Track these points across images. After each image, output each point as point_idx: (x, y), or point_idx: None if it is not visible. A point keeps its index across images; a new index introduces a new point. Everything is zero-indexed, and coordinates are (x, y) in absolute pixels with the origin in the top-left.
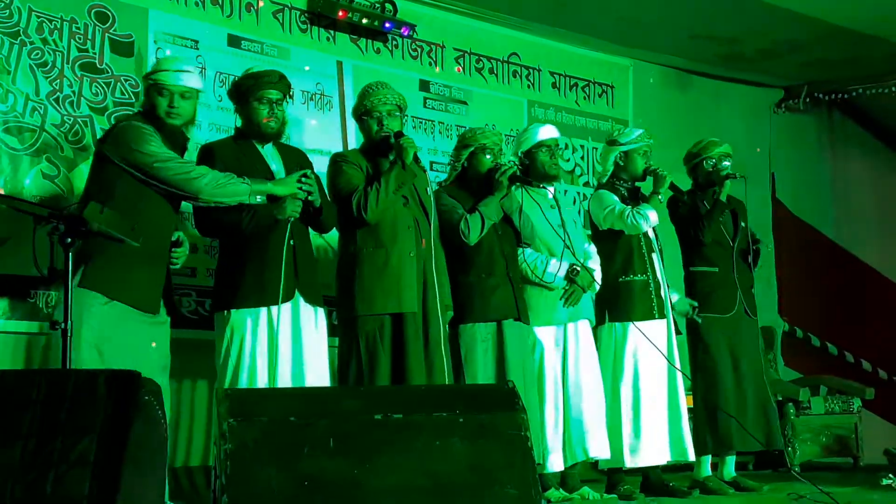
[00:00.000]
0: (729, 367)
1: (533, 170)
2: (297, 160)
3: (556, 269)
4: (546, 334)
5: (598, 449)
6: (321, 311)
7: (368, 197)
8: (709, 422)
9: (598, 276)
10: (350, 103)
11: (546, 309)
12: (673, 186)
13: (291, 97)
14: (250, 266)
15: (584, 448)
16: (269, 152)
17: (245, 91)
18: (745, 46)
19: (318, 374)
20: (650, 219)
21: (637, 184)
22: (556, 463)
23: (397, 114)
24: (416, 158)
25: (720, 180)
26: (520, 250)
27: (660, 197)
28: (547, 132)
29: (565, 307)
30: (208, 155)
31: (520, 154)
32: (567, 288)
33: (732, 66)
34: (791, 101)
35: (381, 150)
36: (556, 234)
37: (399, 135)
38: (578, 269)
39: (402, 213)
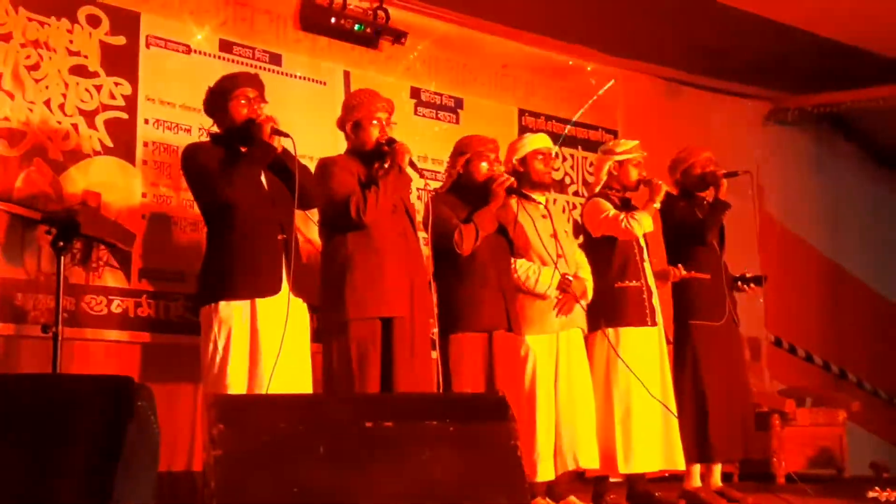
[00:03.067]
0: (717, 375)
1: (527, 178)
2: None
3: (549, 279)
4: (539, 343)
5: (588, 459)
6: (307, 309)
7: (367, 199)
8: (695, 431)
9: (589, 285)
10: None
11: (539, 318)
12: (669, 195)
13: (266, 101)
14: (239, 259)
15: (574, 457)
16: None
17: (223, 92)
18: (733, 58)
19: (303, 373)
20: (644, 224)
21: (629, 194)
22: (546, 472)
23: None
24: (411, 163)
25: (716, 180)
26: (513, 261)
27: (655, 205)
28: (541, 140)
29: (558, 316)
30: (194, 149)
31: (514, 162)
32: (560, 297)
33: (722, 77)
34: (780, 113)
35: (375, 156)
36: (545, 245)
37: (392, 140)
38: (571, 278)
39: (392, 220)
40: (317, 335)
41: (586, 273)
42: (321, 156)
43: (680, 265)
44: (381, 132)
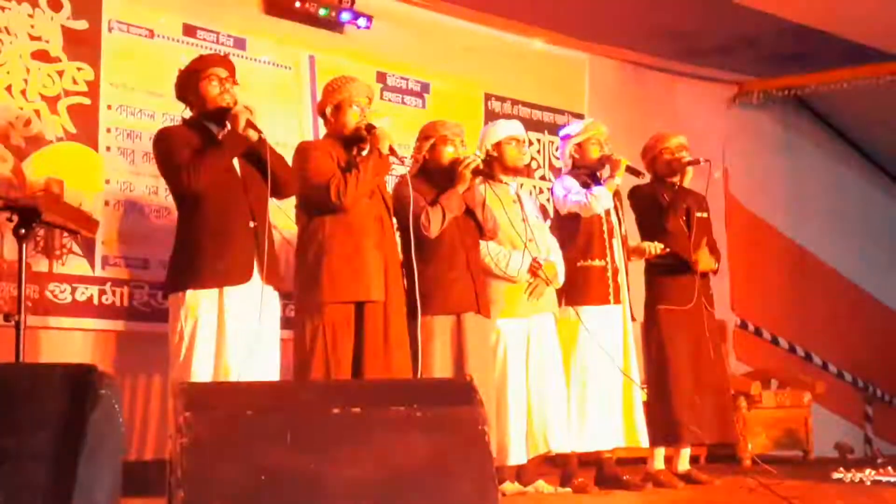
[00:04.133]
0: (686, 359)
1: (501, 163)
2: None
3: (519, 262)
4: (510, 327)
5: (560, 442)
6: (277, 297)
7: (348, 182)
8: (662, 413)
9: (560, 269)
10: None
11: (510, 302)
12: (630, 169)
13: (236, 82)
14: (208, 246)
15: (545, 440)
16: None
17: (193, 73)
18: (699, 41)
19: (271, 361)
20: (602, 200)
21: (598, 173)
22: (517, 455)
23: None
24: (391, 149)
25: (681, 168)
26: (483, 244)
27: (616, 180)
28: (515, 127)
29: (529, 300)
30: (167, 134)
31: (488, 147)
32: (531, 281)
33: (688, 60)
34: (745, 96)
35: (354, 140)
36: (517, 228)
37: (372, 126)
38: (541, 262)
39: (369, 205)
40: (286, 321)
41: (557, 256)
42: (286, 141)
43: (657, 242)
44: (361, 117)
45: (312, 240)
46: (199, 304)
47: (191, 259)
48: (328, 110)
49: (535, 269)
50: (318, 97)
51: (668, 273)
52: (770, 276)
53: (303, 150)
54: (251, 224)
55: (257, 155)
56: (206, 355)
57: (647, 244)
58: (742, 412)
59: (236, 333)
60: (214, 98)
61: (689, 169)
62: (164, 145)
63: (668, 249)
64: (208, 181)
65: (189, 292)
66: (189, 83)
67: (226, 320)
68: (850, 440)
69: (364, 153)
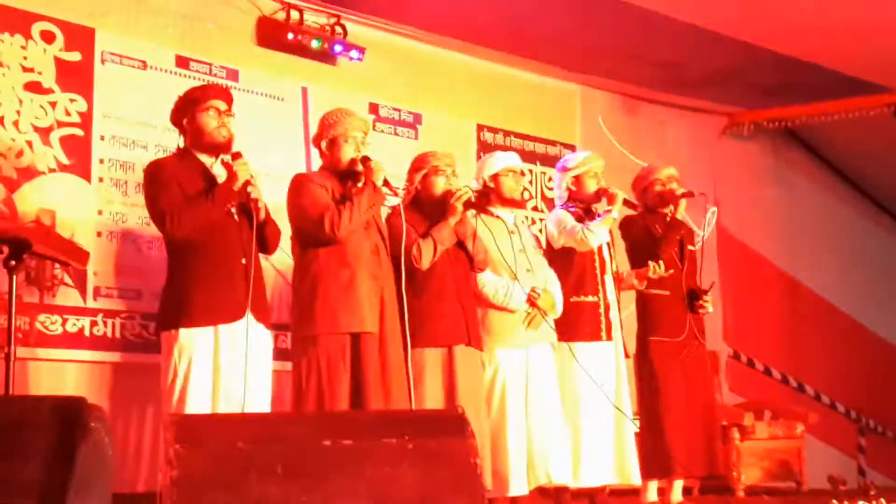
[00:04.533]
0: (677, 391)
1: (498, 195)
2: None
3: (519, 293)
4: (509, 358)
5: (561, 473)
6: (269, 334)
7: (342, 215)
8: (654, 446)
9: (559, 299)
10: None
11: (509, 332)
12: (627, 202)
13: (233, 114)
14: (201, 284)
15: (546, 471)
16: (217, 171)
17: (192, 102)
18: (690, 74)
19: (264, 397)
20: (599, 235)
21: (594, 206)
22: (519, 487)
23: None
24: (386, 182)
25: (674, 199)
26: (482, 275)
27: (613, 214)
28: (512, 158)
29: (527, 330)
30: (157, 166)
31: (485, 178)
32: (529, 311)
33: (678, 92)
34: (735, 127)
35: (349, 174)
36: (506, 260)
37: (367, 159)
38: (539, 292)
39: (365, 236)
40: (281, 353)
41: (555, 286)
42: (279, 172)
43: (657, 262)
44: (356, 151)
45: (307, 272)
46: (193, 342)
47: (183, 296)
48: (323, 144)
49: (533, 299)
50: (311, 128)
51: (659, 304)
52: (763, 306)
53: (298, 183)
54: (243, 261)
55: (248, 209)
56: (200, 392)
57: (651, 264)
58: (735, 443)
59: (230, 370)
60: (211, 132)
61: (683, 201)
62: (153, 186)
63: (671, 271)
64: (191, 230)
65: (183, 330)
66: (186, 111)
67: (220, 358)
68: (843, 472)
69: (360, 185)
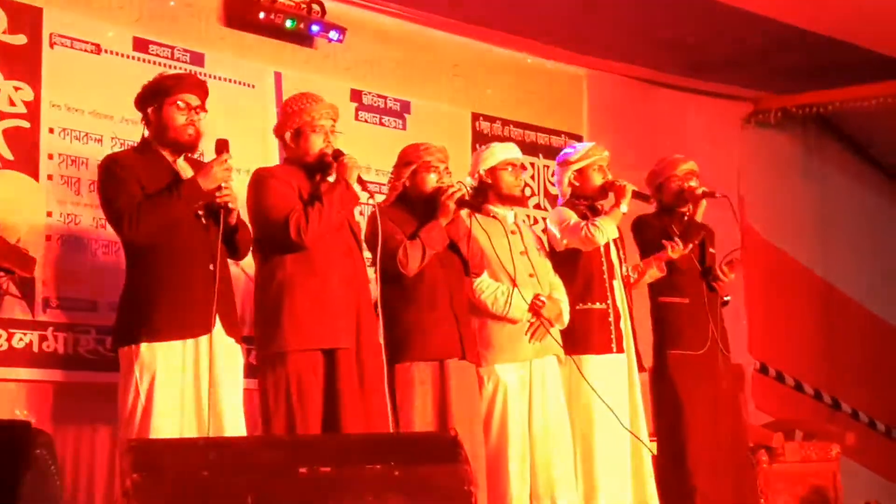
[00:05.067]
0: (702, 410)
1: (496, 191)
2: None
3: (519, 300)
4: (510, 373)
5: (569, 499)
6: (240, 349)
7: (310, 217)
8: (676, 475)
9: (565, 307)
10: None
11: (509, 345)
12: (637, 194)
13: (205, 110)
14: (164, 293)
15: (552, 497)
16: (181, 166)
17: (162, 92)
18: (711, 55)
19: (236, 418)
20: (606, 231)
21: (600, 203)
22: None
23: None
24: (359, 180)
25: (695, 199)
26: (476, 281)
27: (622, 209)
28: (511, 150)
29: (531, 342)
30: (114, 163)
31: (481, 173)
32: (532, 321)
33: (697, 76)
34: (761, 114)
35: (317, 168)
36: (505, 264)
37: (339, 153)
38: (544, 300)
39: (336, 238)
40: (251, 370)
41: (561, 294)
42: (249, 168)
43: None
44: (325, 142)
45: (271, 279)
46: (155, 359)
47: (144, 307)
48: (288, 135)
49: (536, 308)
50: None
51: (678, 314)
52: (792, 314)
53: (259, 180)
54: (210, 267)
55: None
56: (165, 415)
57: (668, 244)
58: (763, 467)
59: (197, 389)
60: (177, 128)
61: (703, 202)
62: (110, 184)
63: (690, 247)
64: (153, 233)
65: (144, 345)
66: (153, 100)
67: (185, 376)
68: (883, 497)
69: (330, 179)
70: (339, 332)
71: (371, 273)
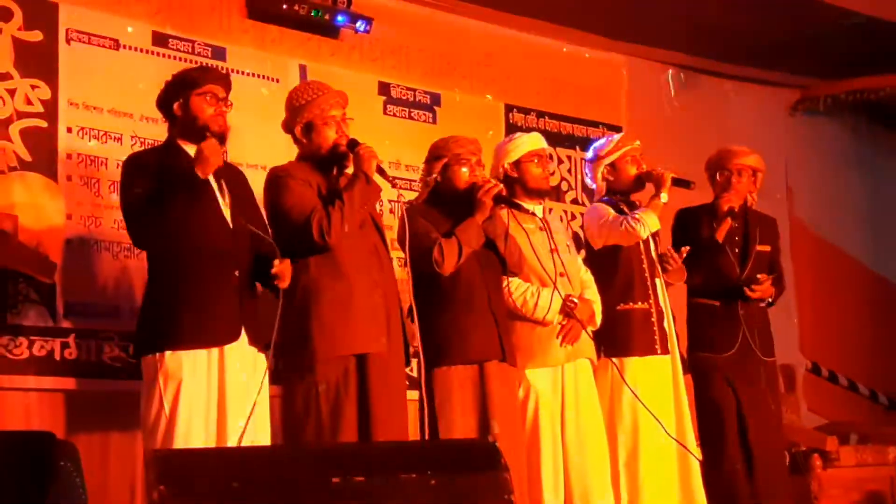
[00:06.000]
0: (729, 414)
1: (522, 184)
2: (237, 180)
3: (549, 301)
4: (541, 378)
5: None
6: (264, 357)
7: (332, 217)
8: (717, 483)
9: (598, 308)
10: None
11: (540, 349)
12: (676, 181)
13: (231, 104)
14: (188, 300)
15: None
16: None
17: (189, 84)
18: (756, 40)
19: (263, 429)
20: (648, 223)
21: (636, 198)
22: None
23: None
24: (379, 170)
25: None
26: (505, 281)
27: (662, 199)
28: (536, 140)
29: (562, 346)
30: (135, 162)
31: (505, 166)
32: (563, 323)
33: (742, 62)
34: (810, 102)
35: (333, 162)
36: (542, 262)
37: (354, 143)
38: (576, 300)
39: (361, 236)
40: (275, 377)
41: (593, 294)
42: (273, 164)
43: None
44: (338, 132)
45: (295, 283)
46: (180, 368)
47: (168, 314)
48: (298, 130)
49: (568, 309)
50: None
51: (708, 316)
52: (845, 310)
53: (275, 180)
54: (236, 273)
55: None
56: (191, 425)
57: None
58: (817, 472)
59: (225, 399)
60: (207, 119)
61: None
62: (127, 188)
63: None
64: (175, 234)
65: (168, 353)
66: (180, 94)
67: (212, 385)
68: None
69: (348, 171)
70: (370, 335)
71: (402, 273)
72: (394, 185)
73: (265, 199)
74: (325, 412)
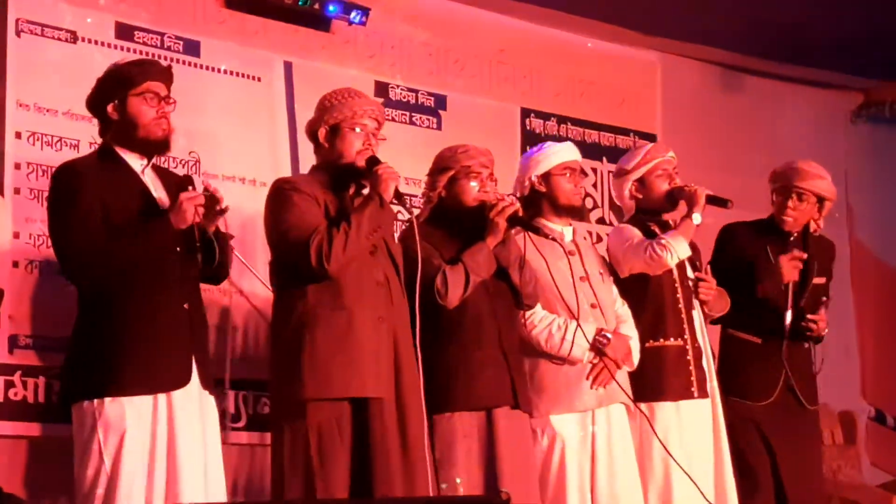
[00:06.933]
0: (768, 476)
1: (552, 200)
2: (180, 187)
3: (580, 336)
4: (568, 425)
5: None
6: (214, 401)
7: (333, 242)
8: None
9: (635, 344)
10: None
11: (567, 391)
12: (712, 198)
13: (174, 101)
14: (132, 338)
15: None
16: (148, 178)
17: (125, 83)
18: (812, 36)
19: (217, 483)
20: (677, 249)
21: (670, 218)
22: None
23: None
24: (397, 195)
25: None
26: (528, 313)
27: (695, 220)
28: (570, 152)
29: (593, 388)
30: (73, 178)
31: (533, 179)
32: (595, 362)
33: (795, 61)
34: (873, 107)
35: (349, 178)
36: (563, 293)
37: (375, 160)
38: (609, 336)
39: (370, 264)
40: (258, 423)
41: (630, 329)
42: (255, 178)
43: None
44: (365, 145)
45: (290, 311)
46: (123, 417)
47: (109, 354)
48: (322, 133)
49: (600, 346)
50: (299, 115)
51: (745, 354)
52: None
53: (279, 192)
54: (185, 305)
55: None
56: (135, 483)
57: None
58: None
59: (175, 450)
60: (148, 124)
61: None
62: (60, 204)
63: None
64: (108, 281)
65: (108, 400)
66: (114, 94)
67: (160, 435)
68: None
69: (365, 192)
70: (370, 377)
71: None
72: (410, 212)
73: (266, 212)
74: (313, 462)
